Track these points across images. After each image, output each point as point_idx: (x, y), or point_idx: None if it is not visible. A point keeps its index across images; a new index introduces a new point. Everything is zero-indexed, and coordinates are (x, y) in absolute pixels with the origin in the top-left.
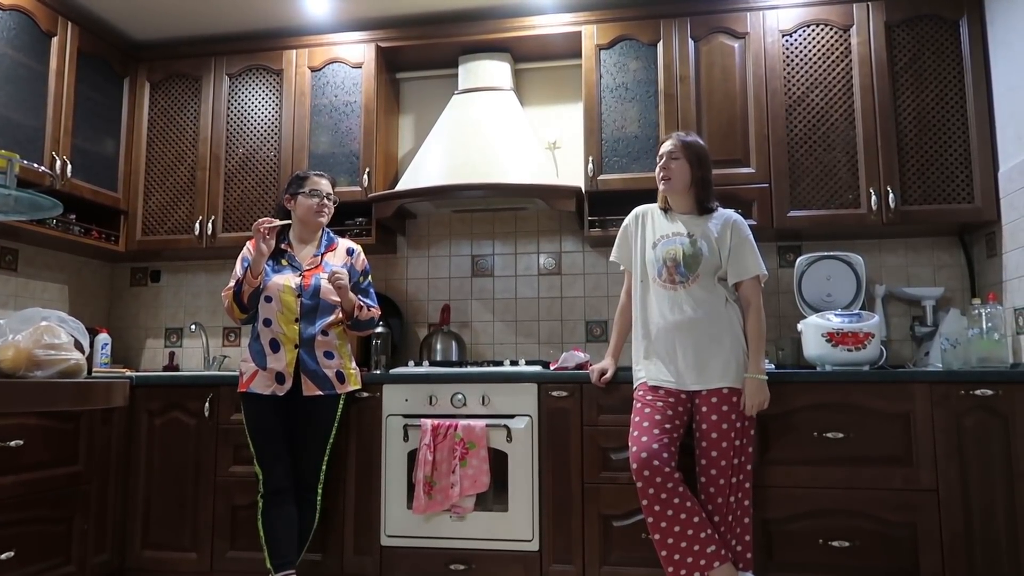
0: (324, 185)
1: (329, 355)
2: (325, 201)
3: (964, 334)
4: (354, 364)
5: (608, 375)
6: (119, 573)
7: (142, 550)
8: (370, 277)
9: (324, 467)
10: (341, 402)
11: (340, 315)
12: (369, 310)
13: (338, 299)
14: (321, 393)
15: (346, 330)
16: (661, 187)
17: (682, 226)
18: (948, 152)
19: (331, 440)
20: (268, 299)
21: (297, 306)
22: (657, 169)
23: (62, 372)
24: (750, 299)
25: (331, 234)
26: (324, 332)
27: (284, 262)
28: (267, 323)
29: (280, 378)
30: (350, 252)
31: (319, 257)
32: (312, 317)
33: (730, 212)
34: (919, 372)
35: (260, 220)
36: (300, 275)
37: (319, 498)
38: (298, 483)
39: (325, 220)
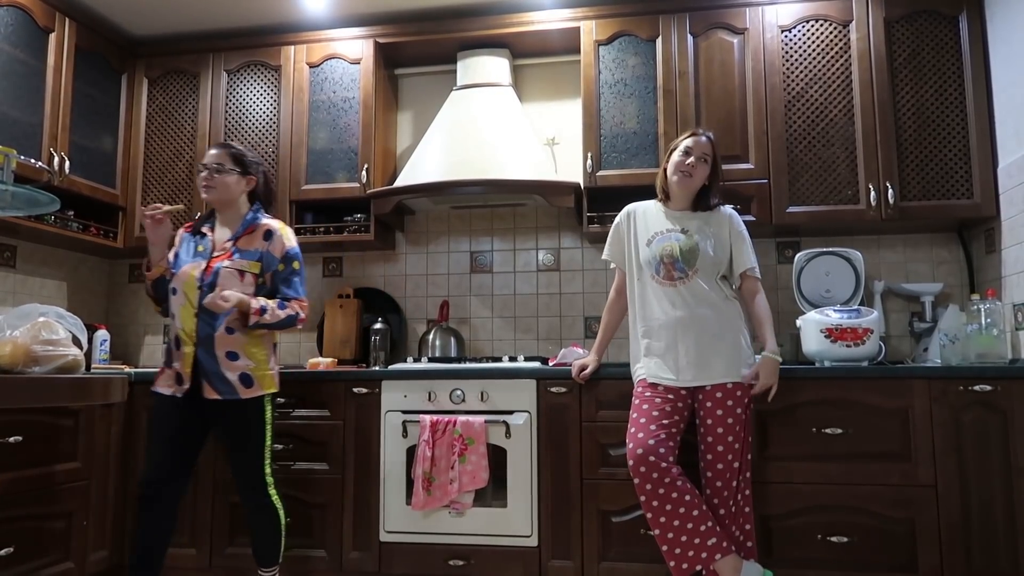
0: (208, 156)
1: (233, 356)
2: (204, 174)
3: (963, 330)
4: (272, 364)
5: (588, 371)
6: (118, 569)
7: None
8: (296, 263)
9: (267, 470)
10: (267, 404)
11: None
12: (282, 308)
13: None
14: (220, 398)
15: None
16: (675, 179)
17: (677, 222)
18: (947, 148)
19: (267, 443)
20: (174, 291)
21: (196, 298)
22: (681, 161)
23: (60, 368)
24: (753, 288)
25: (257, 214)
26: (228, 329)
27: (200, 248)
28: (173, 317)
29: (179, 379)
30: (268, 235)
31: (232, 242)
32: (212, 312)
33: (725, 207)
34: (918, 368)
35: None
36: (206, 263)
37: (272, 499)
38: (241, 488)
39: (208, 196)
